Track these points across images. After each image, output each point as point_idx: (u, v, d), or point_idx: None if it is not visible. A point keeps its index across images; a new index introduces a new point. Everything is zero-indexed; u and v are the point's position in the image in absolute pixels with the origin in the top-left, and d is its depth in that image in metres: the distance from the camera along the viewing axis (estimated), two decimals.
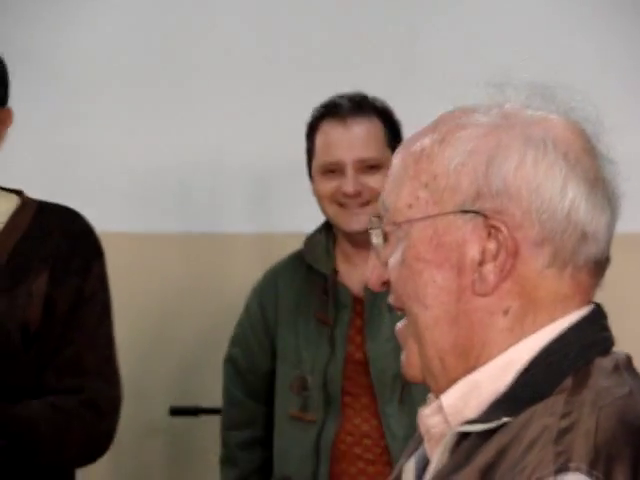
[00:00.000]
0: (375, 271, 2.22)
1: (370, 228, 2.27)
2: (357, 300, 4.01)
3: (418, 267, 2.10)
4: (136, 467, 5.70)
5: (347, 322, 4.12)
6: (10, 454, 3.56)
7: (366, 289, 3.91)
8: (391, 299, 2.22)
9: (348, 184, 4.11)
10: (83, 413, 3.46)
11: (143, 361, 5.78)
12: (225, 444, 4.20)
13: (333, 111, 4.29)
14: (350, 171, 4.11)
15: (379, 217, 2.25)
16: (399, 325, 2.25)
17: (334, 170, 4.14)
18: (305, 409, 3.98)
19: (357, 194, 4.11)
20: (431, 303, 2.10)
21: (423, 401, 3.00)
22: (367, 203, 4.18)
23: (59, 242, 4.08)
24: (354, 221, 4.06)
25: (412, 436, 3.05)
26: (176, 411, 5.42)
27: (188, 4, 6.41)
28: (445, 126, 2.13)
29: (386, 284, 2.20)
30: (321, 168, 4.17)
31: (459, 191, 2.07)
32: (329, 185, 4.13)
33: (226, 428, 4.13)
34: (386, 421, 4.02)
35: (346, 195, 4.11)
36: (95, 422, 3.54)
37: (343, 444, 3.80)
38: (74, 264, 4.07)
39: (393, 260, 2.14)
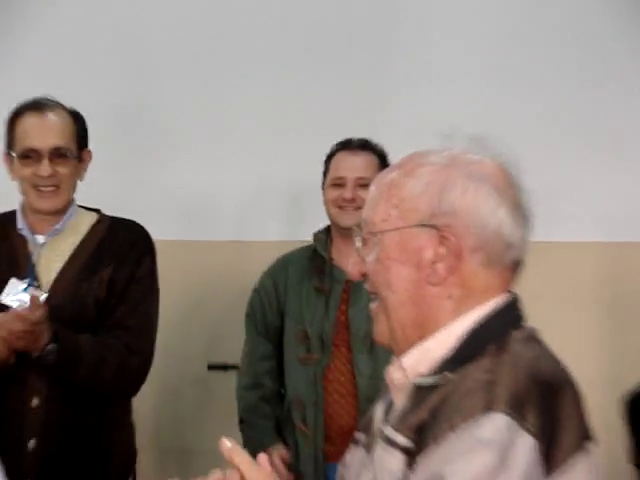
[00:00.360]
0: (356, 266, 2.15)
1: (354, 235, 2.17)
2: (347, 280, 3.88)
3: (388, 264, 2.04)
4: (181, 409, 5.24)
5: (339, 293, 4.05)
6: (59, 362, 3.32)
7: None
8: (367, 286, 2.14)
9: (347, 193, 4.07)
10: (118, 348, 3.37)
11: (189, 330, 5.18)
12: (253, 373, 4.04)
13: (346, 146, 4.23)
14: (350, 184, 4.08)
15: (360, 227, 2.16)
16: (372, 305, 2.14)
17: (339, 184, 4.10)
18: (308, 352, 3.93)
19: (353, 200, 4.06)
20: (397, 290, 2.03)
21: (384, 353, 3.27)
22: (358, 208, 3.97)
23: (122, 244, 3.76)
24: (348, 219, 3.99)
25: (374, 376, 3.71)
26: (212, 367, 5.00)
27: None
28: (409, 164, 2.08)
29: (364, 275, 2.11)
30: (331, 181, 4.14)
31: (419, 211, 2.01)
32: (335, 193, 4.11)
33: (255, 359, 3.99)
34: (357, 364, 3.93)
35: (345, 200, 4.07)
36: (126, 358, 3.41)
37: (331, 375, 3.82)
38: (130, 258, 3.76)
39: (369, 258, 2.07)
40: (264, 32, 5.28)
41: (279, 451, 3.77)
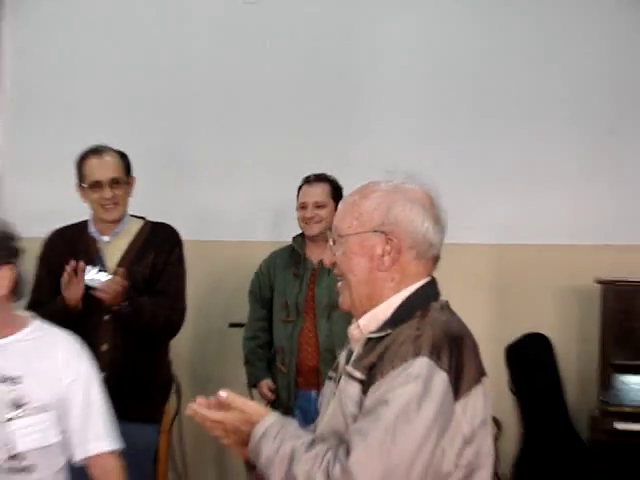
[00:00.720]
0: (328, 257, 2.17)
1: (329, 238, 2.18)
2: (314, 268, 4.11)
3: (351, 256, 2.08)
4: (207, 351, 5.19)
5: (308, 277, 4.21)
6: (129, 313, 3.54)
7: (318, 263, 4.12)
8: (336, 271, 2.16)
9: (308, 213, 4.19)
10: (163, 307, 3.49)
11: (215, 298, 5.16)
12: (253, 329, 4.20)
13: (307, 180, 4.29)
14: (310, 207, 4.20)
15: (331, 232, 2.19)
16: (339, 284, 2.16)
17: (303, 207, 4.20)
18: (287, 316, 4.09)
19: (312, 218, 4.18)
20: (357, 274, 2.07)
21: (337, 319, 3.83)
22: (318, 222, 4.18)
23: (160, 239, 3.82)
24: (310, 230, 4.16)
25: (330, 334, 3.88)
26: (231, 325, 4.95)
27: None
28: (366, 190, 2.12)
29: (333, 264, 2.14)
30: (298, 205, 4.26)
31: (373, 221, 2.05)
32: (301, 213, 4.22)
33: (254, 320, 4.15)
34: (318, 326, 4.06)
35: (306, 218, 4.19)
36: (168, 313, 3.55)
37: (302, 332, 3.95)
38: (165, 249, 3.82)
39: (338, 253, 2.10)
40: (262, 99, 4.97)
41: (267, 382, 3.98)
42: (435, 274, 2.09)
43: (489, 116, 5.04)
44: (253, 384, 4.32)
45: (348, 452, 1.83)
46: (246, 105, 5.11)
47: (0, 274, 2.44)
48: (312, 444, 1.92)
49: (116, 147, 3.93)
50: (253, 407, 2.05)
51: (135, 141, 4.59)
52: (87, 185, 3.69)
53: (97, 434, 2.57)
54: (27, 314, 2.68)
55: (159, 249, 3.82)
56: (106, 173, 3.69)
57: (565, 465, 4.81)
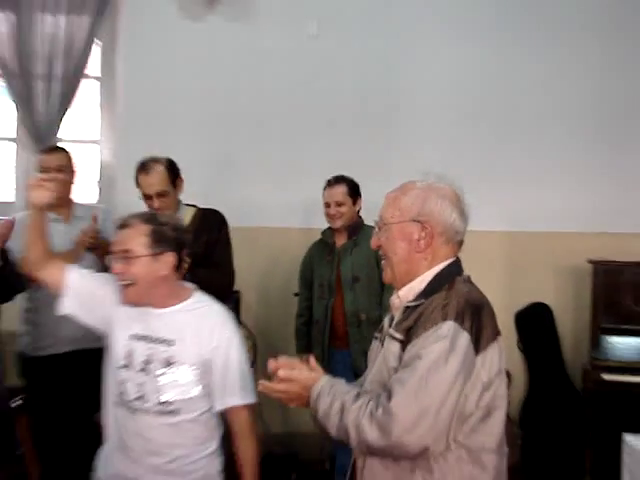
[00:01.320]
0: (375, 241, 2.13)
1: (375, 224, 2.16)
2: (338, 252, 4.02)
3: (393, 240, 2.06)
4: (275, 321, 4.94)
5: (336, 261, 4.11)
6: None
7: (340, 247, 4.09)
8: (381, 252, 2.14)
9: (331, 211, 4.09)
10: (217, 274, 3.44)
11: (281, 274, 4.92)
12: (301, 307, 4.13)
13: (328, 183, 4.18)
14: (332, 205, 4.08)
15: (379, 220, 2.16)
16: (383, 262, 2.15)
17: (328, 205, 4.06)
18: (323, 294, 4.02)
19: (334, 215, 4.07)
20: (397, 254, 2.05)
21: (360, 291, 3.84)
22: (339, 217, 4.12)
23: (210, 222, 3.73)
24: (334, 224, 4.07)
25: (354, 304, 3.79)
26: (296, 294, 4.73)
27: None
28: (405, 187, 2.11)
29: (379, 247, 2.11)
30: (324, 204, 4.14)
31: (411, 212, 2.05)
32: (326, 210, 4.12)
33: (301, 300, 4.08)
34: (345, 298, 3.97)
35: (330, 215, 4.08)
36: (222, 278, 3.51)
37: (334, 306, 3.84)
38: (214, 229, 3.74)
39: (382, 237, 2.09)
40: (318, 117, 4.79)
41: (311, 356, 4.03)
42: (460, 255, 2.08)
43: (502, 127, 4.91)
44: (301, 352, 4.26)
45: (390, 397, 1.83)
46: (302, 122, 4.87)
47: (165, 259, 2.48)
48: (357, 397, 1.92)
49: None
50: (307, 375, 2.05)
51: (204, 148, 4.64)
52: (140, 196, 3.69)
53: (233, 391, 2.56)
54: (192, 287, 2.69)
55: (210, 230, 3.74)
56: (152, 188, 3.63)
57: (562, 408, 4.80)
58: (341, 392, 1.96)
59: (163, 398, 2.41)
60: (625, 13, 4.99)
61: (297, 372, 2.02)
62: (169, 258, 2.48)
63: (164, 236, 2.43)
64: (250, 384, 2.58)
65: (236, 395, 2.51)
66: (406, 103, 4.88)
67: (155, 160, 3.52)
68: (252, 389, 2.55)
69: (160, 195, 3.48)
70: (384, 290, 3.83)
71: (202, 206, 3.84)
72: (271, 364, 2.03)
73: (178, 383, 2.47)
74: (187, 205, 3.70)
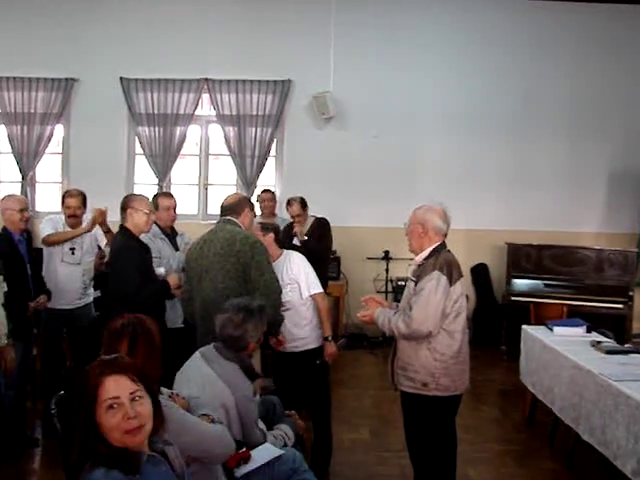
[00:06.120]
0: (406, 232, 2.75)
1: (405, 225, 2.84)
2: None
3: (411, 232, 2.84)
4: (359, 278, 6.99)
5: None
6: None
7: None
8: (407, 238, 2.84)
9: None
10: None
11: (359, 244, 7.01)
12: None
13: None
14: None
15: (406, 222, 2.83)
16: (408, 243, 2.89)
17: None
18: None
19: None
20: (414, 239, 2.84)
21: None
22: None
23: (318, 226, 4.90)
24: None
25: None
26: (369, 258, 6.54)
27: None
28: (418, 208, 2.85)
29: (407, 235, 2.79)
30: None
31: (418, 219, 2.79)
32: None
33: None
34: None
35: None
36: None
37: None
38: (322, 230, 4.92)
39: (408, 231, 2.82)
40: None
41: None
42: (447, 240, 2.87)
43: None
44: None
45: (410, 310, 2.64)
46: (371, 181, 6.99)
47: (267, 239, 3.48)
48: (395, 314, 2.75)
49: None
50: (375, 305, 2.88)
51: (325, 195, 6.61)
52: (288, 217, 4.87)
53: (311, 286, 3.61)
54: (280, 250, 3.65)
55: (319, 230, 5.02)
56: (294, 212, 4.87)
57: (490, 314, 7.03)
58: (388, 313, 2.84)
59: (284, 299, 3.29)
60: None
61: (371, 304, 2.89)
62: (270, 238, 3.43)
63: None
64: (318, 281, 3.64)
65: (315, 287, 3.62)
66: (420, 169, 7.13)
67: (295, 197, 5.39)
68: (320, 284, 3.62)
69: (298, 215, 5.25)
70: None
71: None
72: (363, 299, 2.96)
73: (289, 289, 3.61)
74: (313, 216, 5.34)
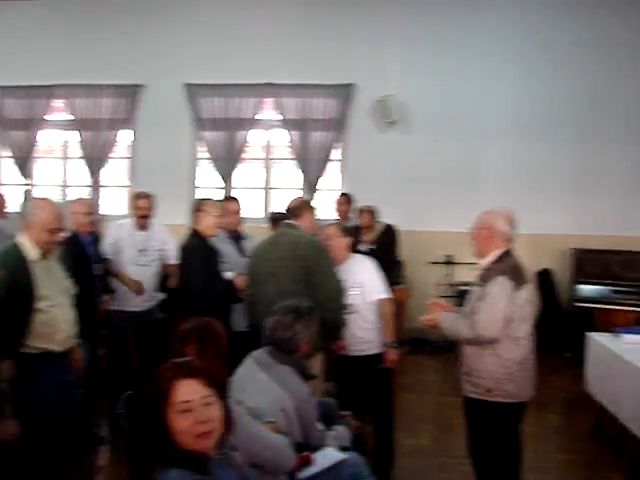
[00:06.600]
0: (471, 236, 2.72)
1: (471, 229, 2.82)
2: None
3: (478, 236, 2.84)
4: (422, 281, 6.98)
5: None
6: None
7: None
8: (473, 242, 2.80)
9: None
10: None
11: (421, 251, 7.02)
12: None
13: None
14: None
15: (472, 226, 2.80)
16: (474, 247, 2.84)
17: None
18: None
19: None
20: (480, 243, 2.82)
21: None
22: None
23: (387, 231, 5.22)
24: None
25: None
26: (432, 262, 6.67)
27: None
28: (485, 212, 2.85)
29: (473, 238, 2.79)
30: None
31: (486, 224, 2.79)
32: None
33: None
34: None
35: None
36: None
37: None
38: (389, 235, 5.13)
39: (474, 235, 2.81)
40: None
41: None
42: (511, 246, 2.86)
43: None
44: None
45: (475, 315, 2.65)
46: (428, 182, 7.02)
47: (343, 242, 3.53)
48: (461, 317, 2.77)
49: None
50: (440, 310, 2.87)
51: (389, 198, 6.71)
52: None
53: (377, 291, 3.56)
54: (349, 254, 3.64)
55: (387, 237, 5.37)
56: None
57: (555, 319, 6.71)
58: (452, 317, 2.88)
59: (349, 302, 3.27)
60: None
61: (435, 309, 2.90)
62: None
63: None
64: (386, 286, 3.55)
65: (381, 293, 3.57)
66: (484, 173, 7.14)
67: (366, 208, 5.62)
68: (387, 290, 3.50)
69: (367, 227, 5.51)
70: None
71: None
72: (427, 303, 2.99)
73: (353, 294, 3.54)
74: (380, 222, 5.72)
